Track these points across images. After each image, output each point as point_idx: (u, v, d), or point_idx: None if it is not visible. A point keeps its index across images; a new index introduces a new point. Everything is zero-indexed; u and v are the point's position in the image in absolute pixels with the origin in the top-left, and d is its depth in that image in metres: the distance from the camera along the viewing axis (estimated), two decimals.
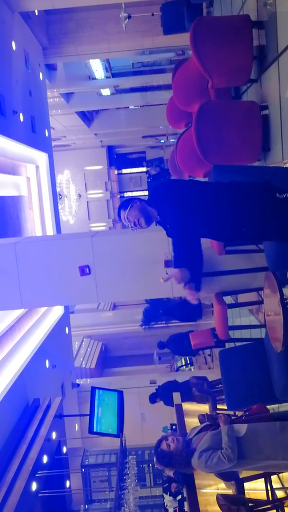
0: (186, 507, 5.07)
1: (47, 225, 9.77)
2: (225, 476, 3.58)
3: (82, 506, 8.06)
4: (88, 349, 14.55)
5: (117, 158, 21.96)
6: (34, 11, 8.89)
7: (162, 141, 19.41)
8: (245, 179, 2.68)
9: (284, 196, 2.51)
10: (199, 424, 3.45)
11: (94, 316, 15.82)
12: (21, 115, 7.85)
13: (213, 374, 9.38)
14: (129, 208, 2.69)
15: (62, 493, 7.31)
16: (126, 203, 2.73)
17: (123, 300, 14.09)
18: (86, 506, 8.11)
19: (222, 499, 3.25)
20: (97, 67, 12.30)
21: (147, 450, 8.85)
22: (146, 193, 21.16)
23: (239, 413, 4.13)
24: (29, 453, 6.20)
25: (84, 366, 13.49)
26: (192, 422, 5.70)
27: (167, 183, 2.73)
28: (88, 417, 7.88)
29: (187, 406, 6.64)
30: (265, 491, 3.56)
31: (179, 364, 14.10)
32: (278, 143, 4.24)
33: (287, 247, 3.05)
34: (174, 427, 6.72)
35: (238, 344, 4.73)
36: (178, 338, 10.05)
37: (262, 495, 3.62)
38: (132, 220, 2.67)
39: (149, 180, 21.28)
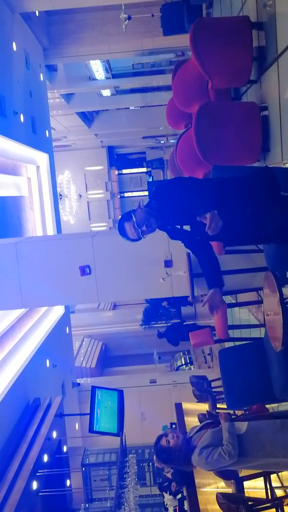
0: (186, 506, 5.09)
1: (47, 225, 9.80)
2: (225, 475, 3.60)
3: (82, 505, 8.06)
4: (89, 349, 14.58)
5: (117, 159, 22.00)
6: (35, 12, 8.91)
7: (162, 141, 19.44)
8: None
9: (286, 194, 2.52)
10: (199, 423, 3.47)
11: (95, 315, 15.85)
12: (21, 116, 7.88)
13: (213, 373, 9.40)
14: (133, 216, 2.64)
15: (62, 492, 7.32)
16: (128, 215, 2.68)
17: (123, 300, 14.12)
18: (87, 505, 8.11)
19: (222, 498, 3.26)
20: (97, 68, 12.33)
21: (147, 449, 8.86)
22: (146, 193, 21.19)
23: (238, 412, 4.16)
24: (29, 452, 6.22)
25: (84, 365, 13.51)
26: (192, 421, 5.72)
27: (168, 183, 2.74)
28: (88, 416, 7.89)
29: (187, 405, 6.66)
30: (264, 490, 3.58)
31: (179, 363, 14.12)
32: (277, 143, 4.26)
33: (286, 247, 3.07)
34: (174, 426, 6.73)
35: (237, 343, 4.75)
36: (174, 327, 11.06)
37: (261, 493, 3.64)
38: (142, 224, 2.60)
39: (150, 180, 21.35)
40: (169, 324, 12.66)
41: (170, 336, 11.13)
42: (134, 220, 2.62)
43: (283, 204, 2.54)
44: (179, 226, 2.72)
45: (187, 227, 2.75)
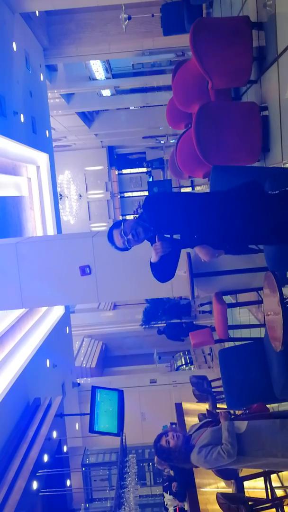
0: (186, 506, 5.10)
1: (48, 225, 9.80)
2: (225, 475, 3.61)
3: (82, 505, 8.06)
4: (89, 349, 14.58)
5: (117, 159, 22.02)
6: (35, 12, 8.91)
7: (162, 141, 19.45)
8: (244, 179, 2.71)
9: (276, 192, 2.55)
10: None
11: (95, 315, 15.86)
12: (21, 116, 7.88)
13: (213, 373, 9.41)
14: (123, 224, 2.64)
15: (62, 492, 7.32)
16: (118, 222, 2.69)
17: (123, 300, 14.12)
18: (87, 505, 8.11)
19: (222, 498, 3.26)
20: (97, 68, 12.34)
21: (147, 449, 8.86)
22: (146, 193, 21.21)
23: (238, 412, 4.16)
24: (29, 452, 6.21)
25: (84, 365, 13.52)
26: (192, 421, 5.73)
27: (158, 195, 2.74)
28: (88, 416, 7.89)
29: (187, 405, 6.67)
30: (264, 490, 3.58)
31: (179, 363, 14.12)
32: (277, 143, 4.26)
33: (286, 247, 3.07)
34: (174, 426, 6.74)
35: (237, 343, 4.75)
36: (172, 326, 11.69)
37: (261, 493, 3.64)
38: (129, 232, 2.60)
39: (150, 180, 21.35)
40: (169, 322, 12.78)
41: (169, 333, 11.33)
42: (122, 228, 2.62)
43: (272, 203, 2.57)
44: (168, 236, 2.68)
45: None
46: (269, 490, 3.54)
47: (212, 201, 2.66)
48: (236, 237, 2.63)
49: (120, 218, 19.87)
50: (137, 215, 2.76)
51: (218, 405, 5.17)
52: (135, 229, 2.61)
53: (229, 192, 2.65)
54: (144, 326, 13.60)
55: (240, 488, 3.54)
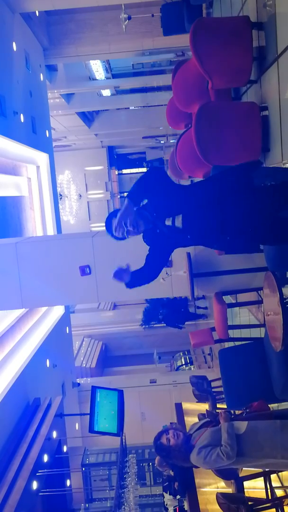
0: (186, 506, 5.09)
1: (47, 225, 9.80)
2: (225, 475, 3.60)
3: (82, 505, 8.07)
4: (89, 349, 14.58)
5: (117, 159, 22.00)
6: (35, 12, 8.92)
7: (162, 141, 19.45)
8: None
9: (269, 184, 2.48)
10: None
11: (95, 315, 15.85)
12: (21, 116, 7.88)
13: (213, 373, 9.41)
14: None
15: (62, 492, 7.32)
16: (117, 211, 2.65)
17: (123, 300, 14.12)
18: (87, 505, 8.12)
19: (222, 498, 3.26)
20: (97, 68, 12.34)
21: (147, 449, 8.87)
22: None
23: (238, 412, 4.16)
24: (29, 452, 6.21)
25: (84, 365, 13.52)
26: (192, 421, 5.72)
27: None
28: (88, 416, 7.89)
29: (187, 405, 6.66)
30: (264, 490, 3.58)
31: (179, 363, 14.12)
32: (277, 143, 4.26)
33: (286, 247, 3.07)
34: (174, 424, 6.73)
35: (237, 343, 4.75)
36: (169, 315, 12.10)
37: (261, 493, 3.64)
38: (129, 224, 2.55)
39: None
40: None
41: (167, 319, 11.52)
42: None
43: (257, 195, 2.49)
44: (170, 222, 2.58)
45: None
46: (269, 490, 3.54)
47: (210, 185, 2.63)
48: (235, 226, 2.55)
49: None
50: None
51: (218, 405, 5.17)
52: (136, 221, 2.58)
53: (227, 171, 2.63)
54: (144, 326, 13.60)
55: (240, 488, 3.54)
